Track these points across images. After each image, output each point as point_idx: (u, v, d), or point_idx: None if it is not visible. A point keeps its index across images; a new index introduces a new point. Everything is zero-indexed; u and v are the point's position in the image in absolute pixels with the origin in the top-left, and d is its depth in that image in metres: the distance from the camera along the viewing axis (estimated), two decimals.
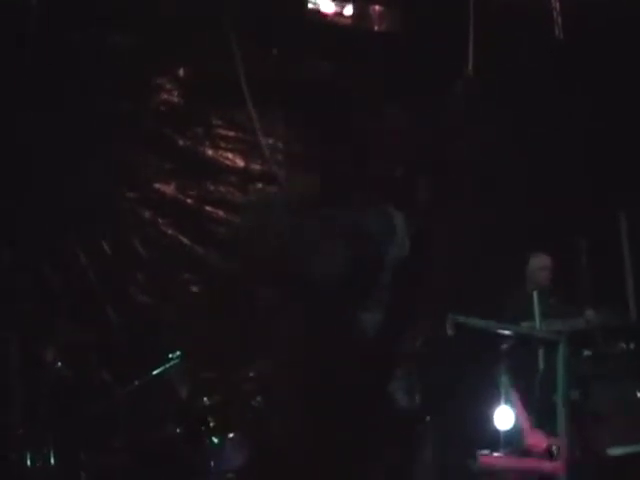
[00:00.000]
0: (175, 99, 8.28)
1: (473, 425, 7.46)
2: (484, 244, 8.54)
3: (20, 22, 7.32)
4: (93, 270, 7.85)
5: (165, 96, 8.26)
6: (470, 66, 7.90)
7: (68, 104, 7.74)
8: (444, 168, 8.60)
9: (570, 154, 8.70)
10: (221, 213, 8.35)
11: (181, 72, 8.31)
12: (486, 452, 6.99)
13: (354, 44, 8.39)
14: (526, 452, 6.87)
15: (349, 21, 8.32)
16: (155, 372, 7.24)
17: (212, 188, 8.36)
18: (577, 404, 7.07)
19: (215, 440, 7.13)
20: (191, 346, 7.61)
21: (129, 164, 8.14)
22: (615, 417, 7.28)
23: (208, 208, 8.32)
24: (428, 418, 7.94)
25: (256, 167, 8.49)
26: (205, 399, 7.33)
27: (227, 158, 8.44)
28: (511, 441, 6.94)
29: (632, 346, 7.72)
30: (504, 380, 7.16)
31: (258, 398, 7.73)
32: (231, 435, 7.20)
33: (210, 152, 8.38)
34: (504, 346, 7.38)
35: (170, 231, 8.16)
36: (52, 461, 6.78)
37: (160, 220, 8.14)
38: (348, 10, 8.26)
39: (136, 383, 7.17)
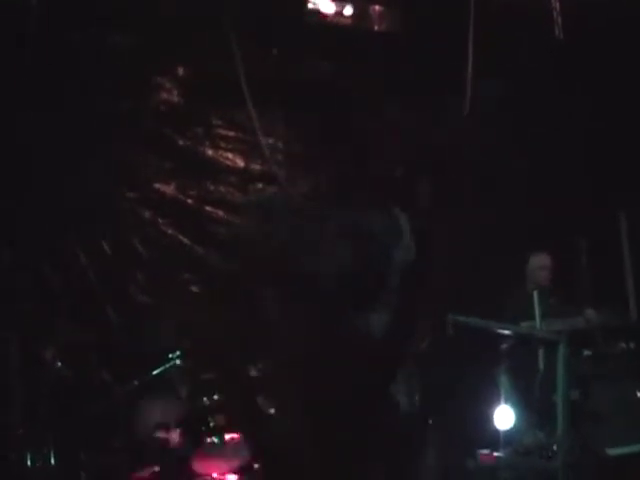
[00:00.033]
0: (175, 99, 8.28)
1: (473, 425, 7.47)
2: (484, 244, 8.54)
3: (20, 22, 7.31)
4: (93, 270, 7.85)
5: (165, 96, 8.25)
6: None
7: (68, 104, 7.73)
8: (444, 168, 8.60)
9: (570, 154, 8.71)
10: (221, 213, 8.35)
11: (181, 72, 8.30)
12: (486, 452, 7.01)
13: (354, 44, 8.38)
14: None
15: (349, 21, 8.30)
16: (155, 372, 7.26)
17: (212, 188, 8.36)
18: (577, 404, 7.08)
19: (215, 440, 7.14)
20: (191, 346, 7.62)
21: (129, 164, 8.14)
22: (615, 417, 7.29)
23: (208, 208, 8.32)
24: (430, 421, 7.95)
25: (256, 167, 8.49)
26: (205, 399, 7.34)
27: (227, 158, 8.44)
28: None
29: (632, 346, 7.73)
30: (504, 380, 7.18)
31: (258, 398, 7.75)
32: (231, 435, 7.21)
33: (210, 152, 8.38)
34: (504, 346, 7.41)
35: (170, 231, 8.16)
36: (52, 461, 6.79)
37: (160, 220, 8.14)
38: (348, 10, 8.25)
39: (136, 383, 7.19)
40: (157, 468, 6.94)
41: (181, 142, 8.30)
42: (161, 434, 7.11)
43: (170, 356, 7.33)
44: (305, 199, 8.48)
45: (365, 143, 8.70)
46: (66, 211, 7.74)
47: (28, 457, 6.74)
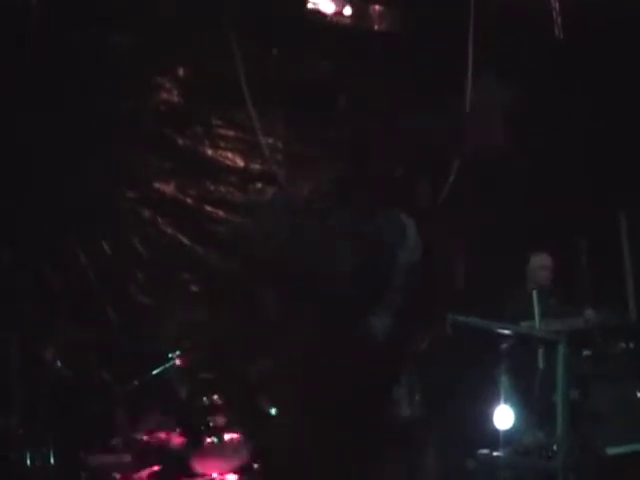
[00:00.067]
0: (175, 99, 8.28)
1: (473, 425, 7.46)
2: (484, 244, 8.54)
3: (20, 22, 7.32)
4: (93, 270, 7.86)
5: (165, 96, 8.26)
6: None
7: (68, 104, 7.74)
8: (444, 168, 8.59)
9: (570, 154, 8.70)
10: (221, 213, 8.36)
11: (181, 72, 8.31)
12: (486, 451, 7.01)
13: (354, 44, 8.39)
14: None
15: (349, 21, 8.31)
16: (155, 372, 7.26)
17: (212, 188, 8.37)
18: (577, 404, 7.07)
19: (215, 440, 7.14)
20: (191, 346, 7.62)
21: (129, 164, 8.14)
22: (615, 417, 7.28)
23: (208, 208, 8.33)
24: (430, 425, 7.95)
25: (256, 167, 8.49)
26: (205, 399, 7.34)
27: (227, 158, 8.45)
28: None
29: (632, 346, 7.72)
30: (504, 380, 7.18)
31: (259, 398, 7.75)
32: (231, 435, 7.22)
33: (210, 152, 8.39)
34: (504, 346, 7.40)
35: (170, 231, 8.16)
36: (52, 461, 6.79)
37: (160, 220, 8.15)
38: (348, 10, 8.26)
39: (136, 383, 7.19)
40: (157, 468, 6.94)
41: (181, 142, 8.30)
42: (161, 434, 7.11)
43: (170, 356, 7.33)
44: (305, 199, 8.49)
45: (365, 143, 8.71)
46: (66, 211, 7.75)
47: (28, 457, 6.73)
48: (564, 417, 6.66)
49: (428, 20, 8.37)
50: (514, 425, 7.21)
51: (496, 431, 7.18)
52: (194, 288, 8.24)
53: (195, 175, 8.33)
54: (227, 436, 7.18)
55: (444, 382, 7.93)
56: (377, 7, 8.50)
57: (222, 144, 8.42)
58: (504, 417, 7.20)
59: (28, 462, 6.73)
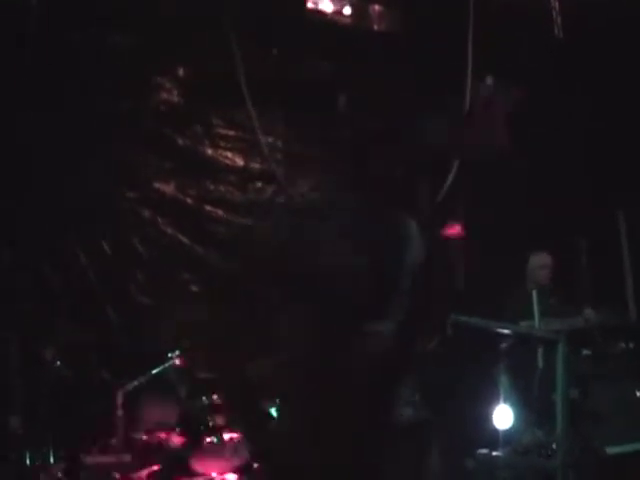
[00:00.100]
0: (175, 99, 8.28)
1: (473, 425, 7.46)
2: (484, 244, 8.53)
3: (20, 22, 7.32)
4: (93, 270, 7.85)
5: (165, 96, 8.26)
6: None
7: (68, 104, 7.73)
8: (444, 168, 8.59)
9: (570, 154, 8.71)
10: (221, 212, 8.36)
11: (181, 72, 8.31)
12: (485, 451, 7.01)
13: (354, 44, 8.39)
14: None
15: (349, 21, 8.31)
16: (155, 372, 7.26)
17: (212, 187, 8.37)
18: (576, 403, 7.07)
19: (215, 440, 7.14)
20: (191, 346, 7.62)
21: (129, 164, 8.14)
22: (615, 417, 7.28)
23: (208, 207, 8.33)
24: (431, 425, 7.95)
25: (256, 166, 8.50)
26: (204, 399, 7.34)
27: (227, 157, 8.45)
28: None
29: (632, 346, 7.72)
30: (503, 379, 7.18)
31: (259, 398, 7.74)
32: (231, 435, 7.21)
33: (210, 151, 8.39)
34: (503, 345, 7.40)
35: (170, 230, 8.16)
36: (52, 461, 6.79)
37: (160, 220, 8.15)
38: (347, 10, 8.26)
39: (136, 383, 7.19)
40: (156, 468, 6.94)
41: (181, 142, 8.30)
42: (161, 434, 7.11)
43: (170, 356, 7.33)
44: (305, 199, 8.49)
45: (365, 143, 8.70)
46: (66, 211, 7.74)
47: (28, 457, 6.74)
48: (563, 416, 6.67)
49: (428, 20, 8.37)
50: (513, 424, 7.21)
51: (495, 430, 7.19)
52: (194, 288, 8.24)
53: (195, 175, 8.33)
54: (227, 436, 7.18)
55: (444, 382, 7.93)
56: (377, 7, 8.49)
57: (222, 144, 8.42)
58: (503, 416, 7.21)
59: (28, 462, 6.74)
